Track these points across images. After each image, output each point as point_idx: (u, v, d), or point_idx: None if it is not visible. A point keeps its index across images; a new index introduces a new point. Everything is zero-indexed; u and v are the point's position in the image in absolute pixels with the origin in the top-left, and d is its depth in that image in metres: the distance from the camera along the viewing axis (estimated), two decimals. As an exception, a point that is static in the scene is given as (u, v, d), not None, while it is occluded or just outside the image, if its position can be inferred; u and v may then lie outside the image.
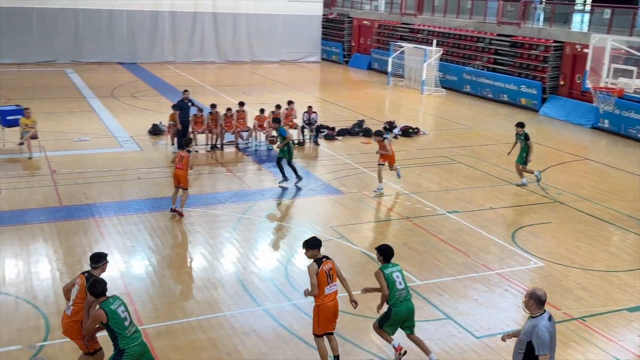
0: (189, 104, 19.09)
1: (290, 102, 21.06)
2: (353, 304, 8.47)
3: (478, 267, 11.98)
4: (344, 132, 22.12)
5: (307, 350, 9.02)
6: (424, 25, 36.15)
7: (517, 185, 16.80)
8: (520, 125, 16.91)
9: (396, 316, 8.45)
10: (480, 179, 17.49)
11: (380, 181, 15.85)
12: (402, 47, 33.81)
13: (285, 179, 16.21)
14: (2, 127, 18.87)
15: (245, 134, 20.24)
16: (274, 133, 17.02)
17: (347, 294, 8.51)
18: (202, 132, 19.55)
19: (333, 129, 22.12)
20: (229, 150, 19.80)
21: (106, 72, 34.64)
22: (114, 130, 21.56)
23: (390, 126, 22.57)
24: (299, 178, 16.27)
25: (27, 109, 18.52)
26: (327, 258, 8.39)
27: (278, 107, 20.72)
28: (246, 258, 12.08)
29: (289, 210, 14.80)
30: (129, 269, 11.39)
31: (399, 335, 8.65)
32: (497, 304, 10.63)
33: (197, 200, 15.06)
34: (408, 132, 22.44)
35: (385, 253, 8.58)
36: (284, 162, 16.15)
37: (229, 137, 20.07)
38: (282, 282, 11.12)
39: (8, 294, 10.17)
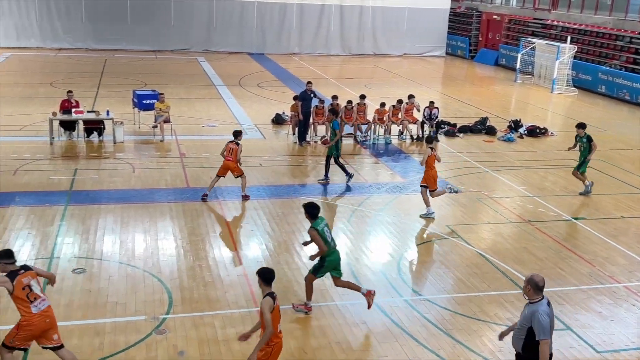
0: (312, 95, 19.41)
1: (411, 96, 20.85)
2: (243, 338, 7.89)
3: (604, 279, 11.29)
4: (465, 129, 21.58)
5: (417, 347, 8.93)
6: (558, 21, 34.42)
7: (581, 194, 15.62)
8: (581, 126, 15.67)
9: (329, 264, 9.47)
10: (611, 186, 16.44)
11: (427, 204, 13.85)
12: (533, 43, 32.40)
13: (349, 175, 15.88)
14: (139, 110, 20.15)
15: (364, 127, 20.29)
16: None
17: None
18: (322, 124, 19.82)
19: (454, 125, 21.64)
20: (347, 142, 19.92)
21: (235, 62, 35.98)
22: (240, 117, 22.37)
23: (515, 125, 21.75)
24: (349, 176, 15.84)
25: (162, 94, 19.64)
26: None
27: (399, 101, 20.57)
28: (359, 250, 12.13)
29: (404, 205, 14.67)
30: (246, 252, 11.80)
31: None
32: (623, 319, 9.97)
33: (314, 190, 15.31)
34: (535, 132, 21.51)
35: (312, 210, 9.37)
36: (332, 160, 15.75)
37: (347, 129, 20.20)
38: (393, 277, 11.06)
39: (137, 267, 10.87)
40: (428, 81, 32.47)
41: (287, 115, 21.45)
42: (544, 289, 6.95)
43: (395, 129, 20.67)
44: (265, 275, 7.47)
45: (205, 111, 23.04)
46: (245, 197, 14.35)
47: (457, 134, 21.24)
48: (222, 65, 34.31)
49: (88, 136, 18.54)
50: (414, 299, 10.33)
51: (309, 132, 19.65)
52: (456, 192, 14.61)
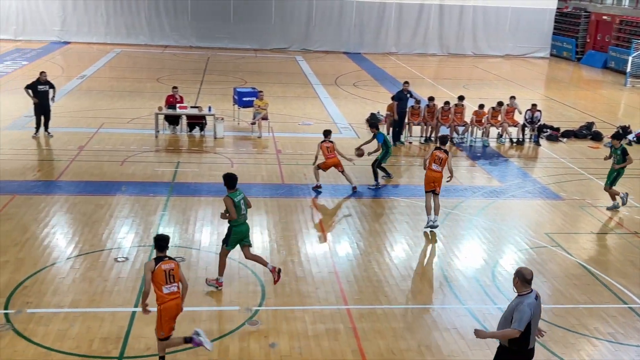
0: (408, 95, 19.24)
1: (512, 98, 20.25)
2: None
3: None
4: (569, 134, 20.69)
5: (509, 357, 8.66)
6: (675, 22, 32.28)
7: (608, 209, 14.39)
8: (617, 136, 14.57)
9: (237, 234, 9.96)
10: None
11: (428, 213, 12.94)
12: (646, 45, 30.58)
13: (388, 175, 15.94)
14: (238, 107, 20.73)
15: (461, 129, 19.90)
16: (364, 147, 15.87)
17: None
18: (418, 124, 19.61)
19: (557, 129, 20.79)
20: (444, 143, 19.62)
21: (332, 61, 36.25)
22: (335, 116, 22.52)
23: (624, 131, 20.60)
24: (376, 183, 15.35)
25: (261, 91, 20.11)
26: (171, 259, 8.06)
27: (500, 104, 20.02)
28: (452, 254, 11.92)
29: (500, 210, 14.26)
30: (338, 249, 11.88)
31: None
32: None
33: (406, 191, 15.19)
34: (644, 139, 20.31)
35: (229, 181, 9.91)
36: (377, 163, 15.56)
37: (444, 130, 19.88)
38: (487, 284, 10.79)
39: (232, 258, 11.18)
40: (530, 83, 31.38)
41: (381, 115, 21.36)
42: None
43: (494, 131, 20.14)
44: (159, 242, 8.13)
45: (301, 109, 23.37)
46: (355, 190, 14.82)
47: (560, 138, 20.40)
48: (319, 64, 34.67)
49: (190, 131, 19.28)
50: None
51: (404, 133, 19.48)
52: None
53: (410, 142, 19.40)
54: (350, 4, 39.25)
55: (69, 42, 36.85)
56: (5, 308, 9.16)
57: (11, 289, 9.69)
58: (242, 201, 10.04)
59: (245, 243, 10.18)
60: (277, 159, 17.23)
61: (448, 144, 13.36)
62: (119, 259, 10.93)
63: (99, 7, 37.25)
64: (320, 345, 8.72)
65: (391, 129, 19.36)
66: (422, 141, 19.59)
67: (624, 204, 14.40)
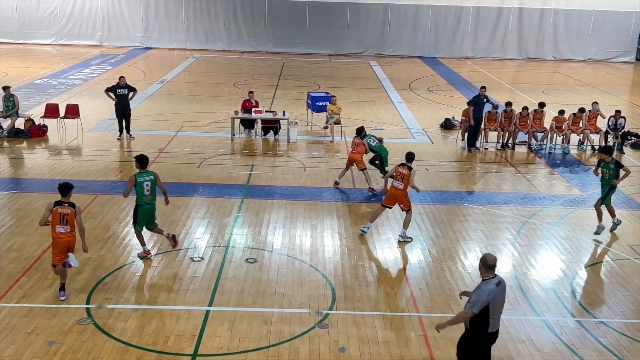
0: (485, 100, 18.85)
1: (594, 104, 19.51)
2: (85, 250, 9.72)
3: None
4: (655, 142, 19.71)
5: (588, 373, 8.32)
6: None
7: (596, 233, 12.83)
8: (606, 150, 13.13)
9: (142, 214, 10.80)
10: None
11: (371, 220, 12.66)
12: None
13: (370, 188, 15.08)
14: (312, 111, 20.90)
15: (540, 135, 19.31)
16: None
17: None
18: (494, 130, 19.17)
19: (643, 137, 19.85)
20: (521, 150, 19.10)
21: (406, 65, 36.02)
22: (408, 121, 22.34)
23: (620, 138, 19.35)
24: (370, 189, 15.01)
25: (334, 96, 20.20)
26: (70, 205, 9.52)
27: (581, 110, 19.33)
28: (528, 264, 11.56)
29: (580, 220, 13.73)
30: (409, 256, 11.74)
31: None
32: None
33: (480, 198, 14.87)
34: None
35: (140, 161, 10.82)
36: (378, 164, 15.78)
37: (522, 136, 19.35)
38: (565, 296, 10.40)
39: (303, 261, 11.28)
40: (614, 88, 30.11)
41: (456, 120, 21.04)
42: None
43: (575, 138, 19.44)
44: (61, 189, 9.56)
45: (374, 114, 23.32)
46: (372, 190, 14.88)
47: (645, 146, 19.46)
48: (393, 68, 34.51)
49: (265, 134, 19.59)
50: (587, 320, 9.63)
51: (480, 138, 19.10)
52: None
53: (486, 148, 18.99)
54: (426, 7, 38.89)
55: (150, 48, 38.24)
56: (87, 303, 9.57)
57: (93, 284, 10.12)
58: (147, 183, 10.72)
59: (151, 226, 11.08)
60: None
61: (414, 160, 12.36)
62: (194, 259, 11.22)
63: (179, 14, 38.50)
64: (391, 352, 8.64)
65: (466, 134, 19.01)
66: (499, 147, 19.14)
67: (612, 229, 12.99)
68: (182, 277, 10.52)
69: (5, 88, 18.60)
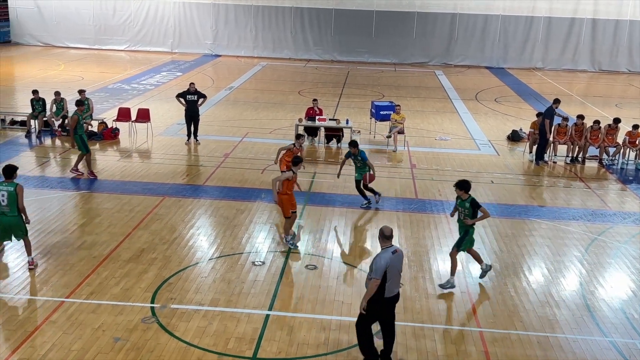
0: (553, 112, 18.33)
1: (672, 119, 18.67)
2: None
3: None
4: None
5: (658, 400, 7.94)
6: None
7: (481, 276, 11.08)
8: (461, 186, 10.48)
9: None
10: None
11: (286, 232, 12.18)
12: None
13: (367, 200, 14.43)
14: (375, 120, 20.86)
15: (612, 150, 18.64)
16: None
17: None
18: (564, 143, 18.63)
19: None
20: (591, 165, 18.48)
21: (473, 76, 35.48)
22: (474, 132, 21.99)
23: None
24: (367, 202, 14.38)
25: (398, 105, 20.11)
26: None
27: (657, 124, 18.56)
28: (596, 282, 11.15)
29: (654, 240, 13.17)
30: (471, 269, 11.52)
31: None
32: None
33: (548, 213, 14.46)
34: None
35: (5, 171, 10.36)
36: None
37: (592, 150, 18.73)
38: (635, 317, 9.98)
39: (363, 270, 11.24)
40: (693, 103, 28.75)
41: (524, 133, 20.56)
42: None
43: (649, 154, 18.68)
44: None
45: (438, 124, 23.07)
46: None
47: None
48: (459, 78, 34.07)
49: (328, 142, 19.68)
50: (659, 345, 9.21)
51: (548, 152, 18.59)
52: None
53: (555, 162, 18.48)
54: (496, 17, 38.25)
55: (219, 55, 39.11)
56: (152, 302, 9.84)
57: (158, 284, 10.40)
58: (2, 192, 10.26)
59: (16, 238, 10.62)
60: (412, 174, 17.11)
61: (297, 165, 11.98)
62: (256, 263, 11.37)
63: (248, 23, 39.23)
64: (449, 366, 8.51)
65: (534, 147, 18.55)
66: (568, 161, 18.58)
67: (481, 276, 11.01)
68: (243, 281, 10.68)
69: (81, 92, 19.39)
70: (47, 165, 16.86)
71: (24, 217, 10.55)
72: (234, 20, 39.30)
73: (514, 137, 20.88)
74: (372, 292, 7.98)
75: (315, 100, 20.26)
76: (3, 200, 10.28)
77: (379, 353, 8.42)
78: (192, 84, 19.39)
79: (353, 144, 14.36)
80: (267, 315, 9.58)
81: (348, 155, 14.47)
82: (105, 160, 17.39)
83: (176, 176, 16.07)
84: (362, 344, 8.34)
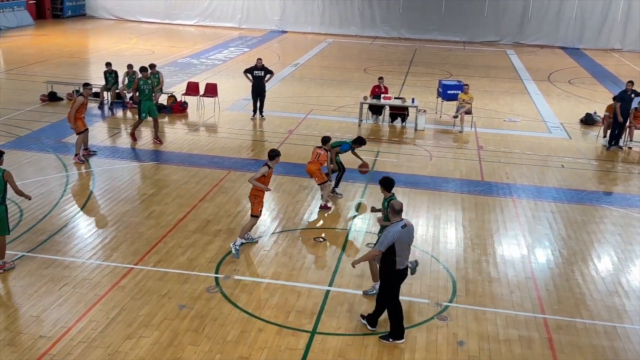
0: (632, 95, 17.53)
1: None
2: None
3: None
4: None
5: None
6: None
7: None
8: (385, 184, 9.56)
9: None
10: None
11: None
12: None
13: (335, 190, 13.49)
14: (442, 99, 20.49)
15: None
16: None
17: None
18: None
19: None
20: (669, 152, 17.64)
21: (545, 56, 34.29)
22: (545, 114, 21.31)
23: None
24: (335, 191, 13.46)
25: (467, 85, 19.67)
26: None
27: None
28: (671, 274, 10.69)
29: None
30: (537, 255, 11.25)
31: None
32: None
33: (621, 200, 13.93)
34: None
35: None
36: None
37: (672, 137, 17.85)
38: None
39: (425, 251, 11.15)
40: None
41: (598, 116, 19.78)
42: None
43: None
44: None
45: (508, 105, 22.47)
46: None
47: None
48: (531, 58, 33.00)
49: (392, 121, 19.49)
50: None
51: (624, 136, 17.82)
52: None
53: (630, 148, 17.72)
54: (572, -5, 36.71)
55: (286, 31, 39.18)
56: (216, 272, 10.07)
57: (222, 255, 10.62)
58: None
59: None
60: (478, 155, 16.76)
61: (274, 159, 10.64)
62: (317, 239, 11.43)
63: (315, -1, 39.09)
64: (512, 351, 8.36)
65: (608, 131, 17.82)
66: (644, 147, 17.79)
67: (412, 272, 9.66)
68: (304, 256, 10.77)
69: (152, 66, 19.82)
70: (118, 136, 17.40)
71: (25, 196, 10.05)
72: (302, -4, 39.23)
73: (588, 120, 20.11)
74: (368, 258, 8.44)
75: (381, 78, 20.05)
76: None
77: (366, 315, 8.78)
78: (259, 59, 19.52)
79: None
80: (328, 291, 9.65)
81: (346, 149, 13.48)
82: (174, 133, 17.79)
83: (241, 151, 16.29)
84: (395, 318, 8.42)
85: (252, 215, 10.89)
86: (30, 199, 10.40)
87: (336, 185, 13.64)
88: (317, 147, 13.12)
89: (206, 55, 29.94)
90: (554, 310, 9.40)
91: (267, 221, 12.17)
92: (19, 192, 9.92)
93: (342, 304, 9.27)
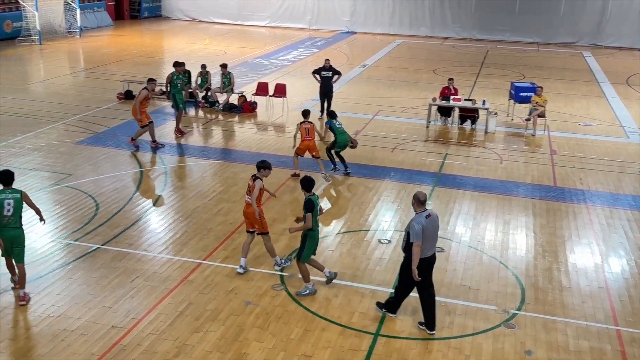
0: None
1: None
2: None
3: None
4: None
5: None
6: None
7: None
8: (305, 184, 9.50)
9: (1, 238, 8.76)
10: None
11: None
12: None
13: (334, 166, 14.92)
14: (514, 102, 20.00)
15: None
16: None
17: None
18: None
19: None
20: None
21: (625, 58, 32.95)
22: (622, 119, 20.47)
23: None
24: (334, 167, 14.90)
25: (540, 87, 19.12)
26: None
27: None
28: None
29: None
30: (612, 264, 10.83)
31: None
32: None
33: None
34: None
35: (2, 176, 8.84)
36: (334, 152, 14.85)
37: None
38: None
39: (493, 257, 10.93)
40: None
41: (681, 121, 18.85)
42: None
43: None
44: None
45: (584, 109, 21.71)
46: (326, 176, 14.31)
47: None
48: (609, 61, 31.77)
49: (461, 123, 19.18)
50: None
51: None
52: None
53: None
54: (655, -6, 35.09)
55: (355, 32, 39.18)
56: (281, 270, 10.18)
57: (288, 253, 10.72)
58: (8, 201, 8.74)
59: (15, 259, 9.02)
60: (551, 160, 16.28)
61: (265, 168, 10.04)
62: (382, 241, 11.39)
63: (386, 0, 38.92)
64: (582, 364, 8.10)
65: (692, 137, 16.97)
66: None
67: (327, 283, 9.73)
68: (369, 257, 10.76)
69: (224, 66, 20.27)
70: (190, 135, 17.85)
71: (39, 217, 9.27)
72: (372, -3, 39.14)
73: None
74: (417, 256, 8.33)
75: (450, 79, 19.77)
76: (9, 210, 8.76)
77: (384, 303, 9.10)
78: (327, 60, 19.61)
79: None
80: (391, 294, 9.59)
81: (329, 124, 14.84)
82: (243, 132, 18.11)
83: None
84: (427, 310, 8.65)
85: (262, 234, 10.10)
86: (44, 221, 9.40)
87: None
88: (301, 122, 14.37)
89: (276, 56, 30.31)
90: (628, 322, 9.03)
91: (332, 221, 12.22)
92: (37, 210, 9.17)
93: (405, 306, 9.19)
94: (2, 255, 9.07)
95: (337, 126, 14.79)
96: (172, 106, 17.74)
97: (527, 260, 10.84)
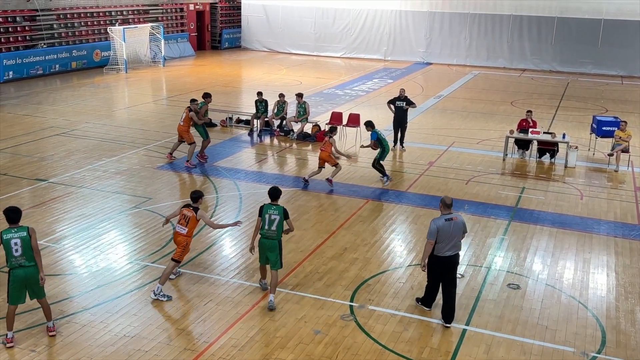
0: None
1: None
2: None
3: None
4: None
5: None
6: None
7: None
8: (273, 193, 10.28)
9: (14, 282, 8.48)
10: None
11: None
12: None
13: (384, 175, 16.12)
14: (596, 136, 19.33)
15: None
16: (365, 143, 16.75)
17: None
18: None
19: None
20: None
21: None
22: None
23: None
24: (386, 177, 16.15)
25: (624, 122, 18.42)
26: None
27: None
28: None
29: None
30: (703, 311, 10.19)
31: None
32: None
33: None
34: None
35: (8, 214, 8.53)
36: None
37: None
38: None
39: (572, 296, 10.49)
40: None
41: None
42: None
43: None
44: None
45: (672, 144, 20.71)
46: (329, 181, 15.55)
47: None
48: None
49: (540, 157, 18.67)
50: None
51: None
52: None
53: None
54: None
55: (430, 63, 39.08)
56: (351, 300, 10.13)
57: (357, 284, 10.67)
58: (15, 241, 8.35)
59: (36, 297, 8.69)
60: (635, 197, 15.58)
61: (200, 201, 10.08)
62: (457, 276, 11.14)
63: (463, 31, 38.70)
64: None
65: None
66: None
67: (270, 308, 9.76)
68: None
69: (299, 95, 20.62)
70: (265, 162, 18.18)
71: (38, 268, 8.55)
72: (448, 29, 38.99)
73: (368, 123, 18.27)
74: (427, 252, 9.21)
75: (529, 111, 19.34)
76: (17, 250, 8.35)
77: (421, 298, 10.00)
78: (402, 89, 19.61)
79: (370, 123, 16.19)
80: (464, 330, 9.35)
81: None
82: (316, 161, 18.25)
83: (380, 181, 16.35)
84: (427, 293, 9.79)
85: (175, 260, 10.07)
86: (43, 280, 8.63)
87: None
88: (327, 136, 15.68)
89: (350, 86, 30.58)
90: None
91: (403, 252, 12.09)
92: (38, 253, 8.57)
93: (478, 345, 8.93)
94: (10, 303, 8.56)
95: (383, 137, 15.98)
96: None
97: (609, 301, 10.34)
